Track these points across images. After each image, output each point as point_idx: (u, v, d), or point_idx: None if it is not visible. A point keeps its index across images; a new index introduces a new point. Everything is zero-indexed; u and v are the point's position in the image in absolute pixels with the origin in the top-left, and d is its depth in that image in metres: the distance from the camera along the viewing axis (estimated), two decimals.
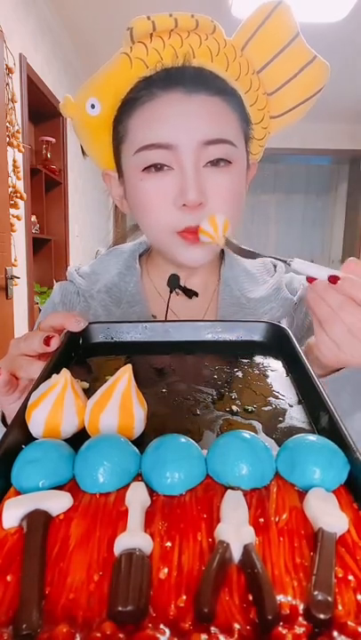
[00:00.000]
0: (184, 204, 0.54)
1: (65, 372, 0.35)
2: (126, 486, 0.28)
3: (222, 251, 0.71)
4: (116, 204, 0.67)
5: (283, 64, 0.58)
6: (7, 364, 0.47)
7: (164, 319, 0.65)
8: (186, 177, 0.54)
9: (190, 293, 0.66)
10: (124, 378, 0.34)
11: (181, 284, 0.66)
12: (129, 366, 0.35)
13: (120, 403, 0.33)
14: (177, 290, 0.66)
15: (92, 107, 0.58)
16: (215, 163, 0.55)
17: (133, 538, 0.23)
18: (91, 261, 0.77)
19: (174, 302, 0.66)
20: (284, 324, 0.66)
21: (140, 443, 0.31)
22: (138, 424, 0.33)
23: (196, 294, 0.67)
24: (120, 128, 0.58)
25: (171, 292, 0.65)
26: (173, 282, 0.65)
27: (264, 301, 0.67)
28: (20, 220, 2.20)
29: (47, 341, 0.45)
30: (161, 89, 0.55)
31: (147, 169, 0.56)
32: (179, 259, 0.60)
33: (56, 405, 0.33)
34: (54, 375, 0.35)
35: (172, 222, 0.57)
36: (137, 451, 0.30)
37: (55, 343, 0.45)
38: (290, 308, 0.68)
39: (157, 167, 0.55)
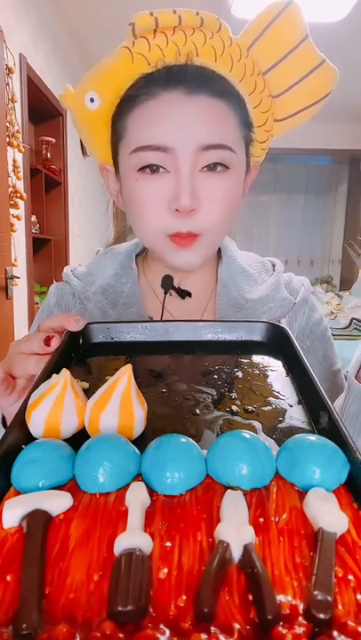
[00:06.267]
0: (177, 209, 0.54)
1: (65, 372, 0.35)
2: (126, 486, 0.28)
3: (219, 250, 0.71)
4: (113, 199, 0.66)
5: (290, 66, 0.57)
6: (4, 365, 0.47)
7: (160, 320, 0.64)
8: (180, 181, 0.53)
9: (183, 294, 0.66)
10: (124, 378, 0.34)
11: (176, 284, 0.65)
12: (129, 366, 0.35)
13: (120, 403, 0.33)
14: (170, 291, 0.65)
15: (92, 100, 0.57)
16: (212, 167, 0.54)
17: (133, 538, 0.23)
18: (87, 262, 0.77)
19: (171, 303, 0.66)
20: (283, 324, 0.66)
21: (140, 443, 0.31)
22: (138, 424, 0.33)
23: (189, 295, 0.66)
24: (118, 125, 0.57)
25: (165, 293, 0.65)
26: (167, 283, 0.65)
27: (262, 302, 0.67)
28: (20, 219, 2.20)
29: (47, 341, 0.45)
30: (161, 87, 0.54)
31: (142, 169, 0.55)
32: (170, 262, 0.60)
33: (56, 405, 0.33)
34: (54, 375, 0.35)
35: (163, 226, 0.56)
36: (137, 451, 0.30)
37: (55, 343, 0.45)
38: (288, 309, 0.67)
39: (153, 169, 0.54)
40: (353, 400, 0.53)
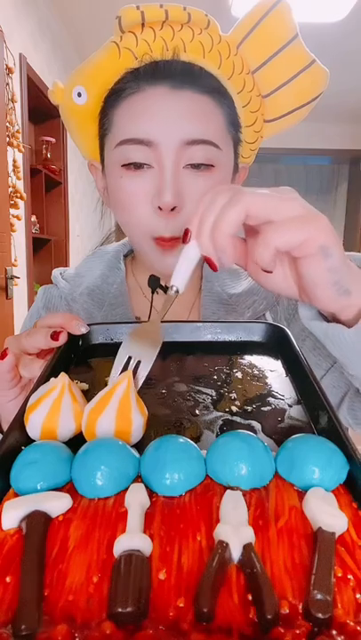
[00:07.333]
0: (160, 207, 0.53)
1: (63, 376, 0.35)
2: (125, 489, 0.27)
3: None
4: (101, 196, 0.66)
5: (279, 65, 0.57)
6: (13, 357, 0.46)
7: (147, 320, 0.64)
8: (163, 177, 0.53)
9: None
10: (123, 383, 0.34)
11: (163, 283, 0.65)
12: (129, 372, 0.35)
13: (118, 408, 0.32)
14: (157, 290, 0.65)
15: (79, 95, 0.57)
16: (196, 166, 0.54)
17: (133, 539, 0.23)
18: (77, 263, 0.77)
19: (160, 302, 0.65)
20: (268, 318, 0.65)
21: (140, 444, 0.31)
22: (136, 430, 0.33)
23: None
24: (105, 120, 0.57)
25: (152, 292, 0.64)
26: (154, 282, 0.64)
27: (246, 295, 0.66)
28: (20, 219, 2.20)
29: (56, 336, 0.44)
30: (147, 82, 0.53)
31: (126, 165, 0.54)
32: (154, 265, 0.60)
33: (53, 409, 0.33)
34: (52, 379, 0.35)
35: (147, 227, 0.56)
36: (136, 454, 0.30)
37: (63, 338, 0.44)
38: (273, 300, 0.66)
39: (137, 165, 0.54)
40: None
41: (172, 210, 0.53)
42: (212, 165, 0.55)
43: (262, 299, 0.66)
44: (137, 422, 0.33)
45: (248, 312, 0.65)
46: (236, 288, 0.67)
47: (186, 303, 0.68)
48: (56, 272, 0.74)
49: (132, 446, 0.30)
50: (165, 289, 0.65)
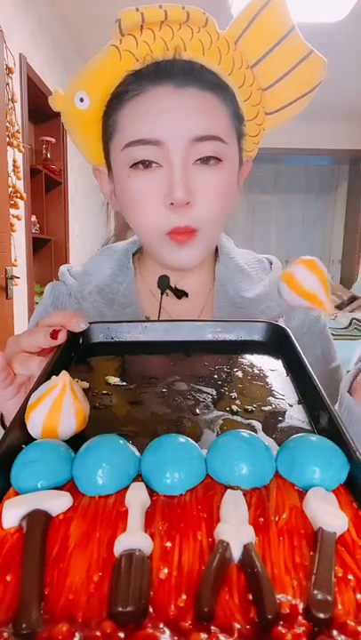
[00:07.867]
0: (171, 203, 0.53)
1: (64, 374, 0.35)
2: (126, 488, 0.27)
3: (216, 250, 0.70)
4: (107, 200, 0.66)
5: (278, 58, 0.57)
6: (5, 356, 0.46)
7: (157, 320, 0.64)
8: (173, 175, 0.53)
9: (180, 294, 0.65)
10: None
11: (173, 284, 0.65)
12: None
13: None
14: (167, 291, 0.65)
15: (81, 100, 0.57)
16: (205, 160, 0.54)
17: (133, 538, 0.23)
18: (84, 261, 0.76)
19: (168, 303, 0.65)
20: (281, 323, 0.66)
21: (140, 443, 0.31)
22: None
23: (185, 295, 0.65)
24: (109, 123, 0.57)
25: (162, 293, 0.64)
26: (163, 282, 0.64)
27: (260, 300, 0.66)
28: (20, 219, 2.20)
29: (55, 335, 0.44)
30: (151, 83, 0.53)
31: (135, 165, 0.54)
32: (167, 261, 0.59)
33: (54, 407, 0.33)
34: (53, 377, 0.35)
35: (160, 223, 0.55)
36: (137, 452, 0.30)
37: (62, 336, 0.44)
38: (288, 309, 0.67)
39: (145, 164, 0.54)
40: (344, 412, 0.53)
41: (186, 204, 0.54)
42: (220, 159, 0.55)
43: (276, 305, 0.66)
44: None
45: (262, 317, 0.64)
46: (250, 292, 0.66)
47: (196, 305, 0.68)
48: (63, 269, 0.73)
49: (131, 445, 0.30)
50: (174, 290, 0.65)
